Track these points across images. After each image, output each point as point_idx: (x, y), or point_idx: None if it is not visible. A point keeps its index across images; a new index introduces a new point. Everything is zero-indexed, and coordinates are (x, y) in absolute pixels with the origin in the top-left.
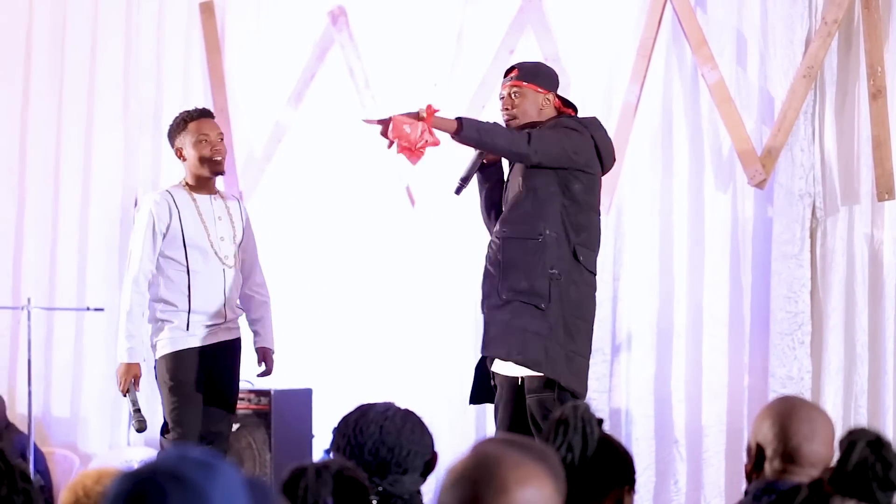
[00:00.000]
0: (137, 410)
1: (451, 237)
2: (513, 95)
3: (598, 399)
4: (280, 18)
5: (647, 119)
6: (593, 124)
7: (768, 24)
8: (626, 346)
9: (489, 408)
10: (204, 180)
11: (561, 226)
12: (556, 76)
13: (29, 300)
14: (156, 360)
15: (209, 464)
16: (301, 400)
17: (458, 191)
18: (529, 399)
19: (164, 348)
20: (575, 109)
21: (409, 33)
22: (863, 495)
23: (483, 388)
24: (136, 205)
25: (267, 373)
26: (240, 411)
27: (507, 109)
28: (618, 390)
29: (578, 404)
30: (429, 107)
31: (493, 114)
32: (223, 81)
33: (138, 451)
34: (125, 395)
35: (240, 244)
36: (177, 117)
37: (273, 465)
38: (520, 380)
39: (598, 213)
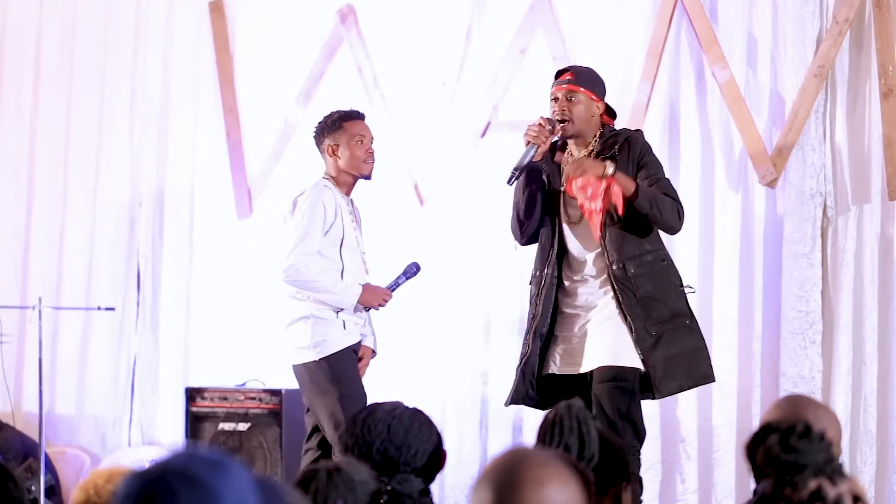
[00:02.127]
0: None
1: (460, 236)
2: (569, 98)
3: None
4: (289, 17)
5: (657, 118)
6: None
7: (779, 23)
8: None
9: (492, 408)
10: (349, 182)
11: (660, 241)
12: (603, 83)
13: (40, 300)
14: (306, 364)
15: (219, 463)
16: None
17: (510, 180)
18: (611, 386)
19: (321, 352)
20: (614, 117)
21: (417, 32)
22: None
23: (523, 390)
24: (293, 205)
25: (364, 373)
26: (251, 410)
27: (561, 112)
28: None
29: (572, 403)
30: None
31: (504, 114)
32: (232, 81)
33: (149, 451)
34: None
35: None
36: (331, 115)
37: (283, 464)
38: (589, 375)
39: None
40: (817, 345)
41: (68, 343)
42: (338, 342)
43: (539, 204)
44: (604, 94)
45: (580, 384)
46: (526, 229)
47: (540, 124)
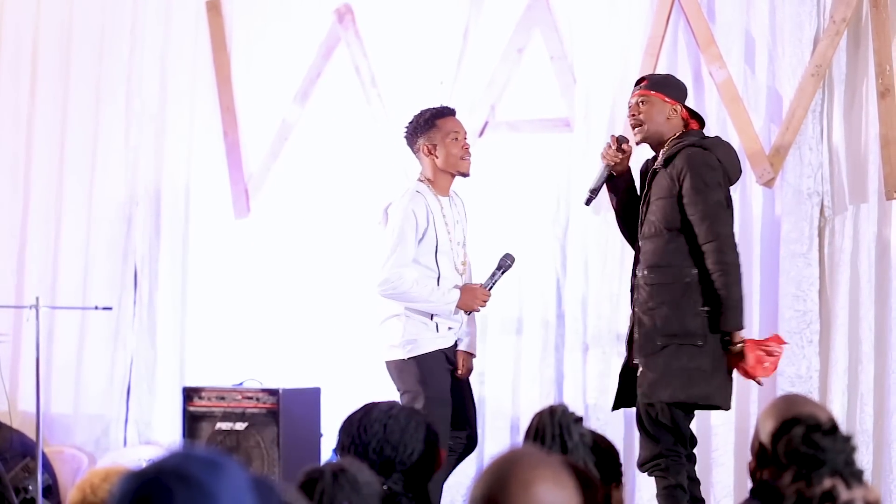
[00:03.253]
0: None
1: None
2: (640, 104)
3: (600, 397)
4: (286, 17)
5: None
6: (715, 144)
7: (776, 22)
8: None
9: (489, 407)
10: (446, 181)
11: (691, 259)
12: (685, 88)
13: (38, 299)
14: (396, 361)
15: (216, 462)
16: (309, 399)
17: (587, 202)
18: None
19: (411, 351)
20: (701, 121)
21: (415, 31)
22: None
23: (625, 393)
24: (385, 215)
25: (464, 374)
26: (248, 410)
27: (633, 116)
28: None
29: (556, 408)
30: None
31: (501, 114)
32: (230, 80)
33: (146, 450)
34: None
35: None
36: (422, 114)
37: (281, 463)
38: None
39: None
40: (815, 344)
41: (64, 342)
42: (428, 344)
43: (630, 213)
44: (681, 97)
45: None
46: (627, 235)
47: (608, 143)
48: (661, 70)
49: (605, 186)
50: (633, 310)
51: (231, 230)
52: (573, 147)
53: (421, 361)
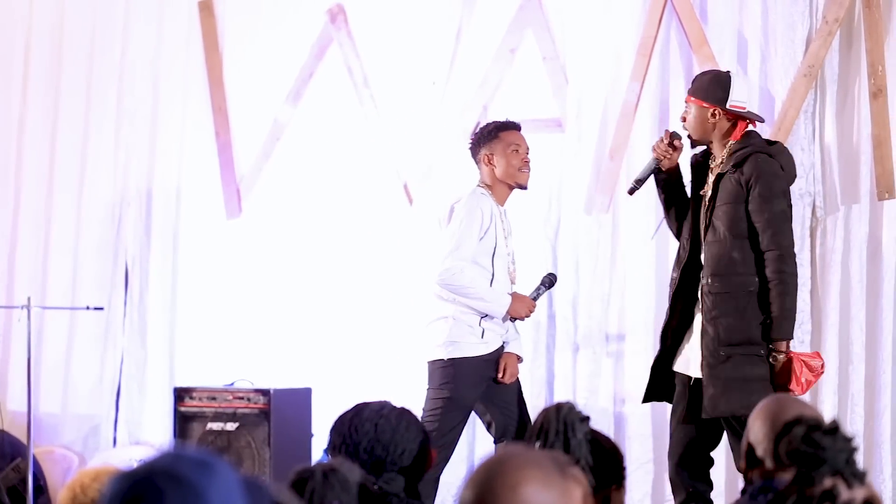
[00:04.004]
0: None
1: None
2: (686, 109)
3: (590, 397)
4: (279, 17)
5: (647, 118)
6: (779, 152)
7: (769, 23)
8: (620, 345)
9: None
10: (504, 192)
11: (756, 268)
12: (726, 86)
13: (29, 299)
14: (441, 360)
15: (206, 463)
16: (300, 399)
17: (631, 191)
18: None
19: (452, 352)
20: (757, 120)
21: (407, 32)
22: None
23: (657, 387)
24: (450, 211)
25: (507, 379)
26: (239, 410)
27: (682, 121)
28: (612, 388)
29: (562, 405)
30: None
31: (494, 114)
32: (222, 80)
33: (136, 451)
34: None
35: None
36: (487, 126)
37: (272, 464)
38: (692, 379)
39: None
40: (806, 344)
41: (53, 342)
42: (470, 349)
43: (675, 210)
44: (719, 98)
45: (687, 384)
46: (675, 230)
47: (661, 138)
48: (654, 70)
49: (653, 179)
50: (673, 307)
51: (222, 231)
52: (565, 147)
53: (458, 364)
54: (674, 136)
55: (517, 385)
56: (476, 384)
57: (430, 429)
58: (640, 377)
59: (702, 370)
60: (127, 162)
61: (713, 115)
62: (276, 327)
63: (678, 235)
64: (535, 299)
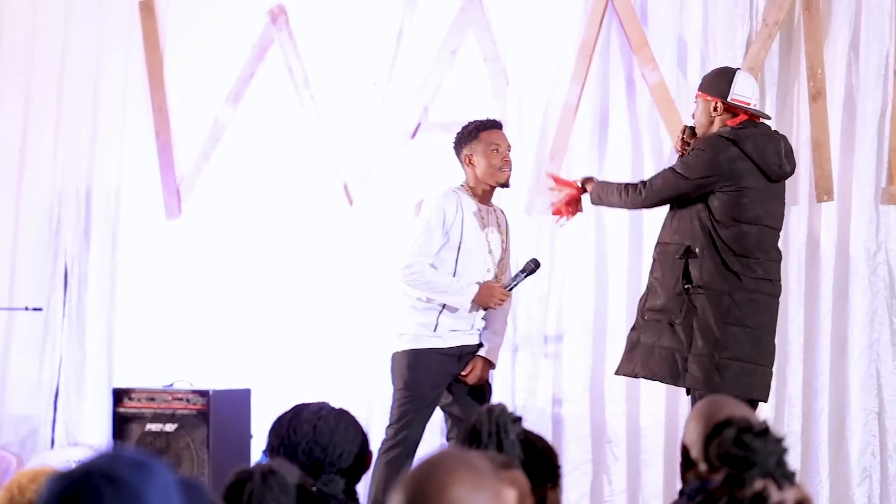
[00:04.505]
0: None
1: (389, 236)
2: (696, 105)
3: (528, 399)
4: (219, 17)
5: (587, 119)
6: (747, 136)
7: (709, 25)
8: (559, 346)
9: None
10: (487, 191)
11: (706, 240)
12: (729, 80)
13: None
14: (395, 353)
15: (144, 464)
16: (239, 400)
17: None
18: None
19: (409, 344)
20: (762, 117)
21: (348, 33)
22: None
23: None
24: (417, 208)
25: (470, 380)
26: (178, 411)
27: (693, 117)
28: (550, 390)
29: (493, 407)
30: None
31: (434, 115)
32: (162, 80)
33: (74, 452)
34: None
35: (502, 259)
36: (468, 126)
37: (211, 465)
38: None
39: (758, 224)
40: None
41: None
42: (422, 341)
43: None
44: (721, 91)
45: None
46: None
47: (678, 135)
48: (594, 71)
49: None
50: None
51: (162, 231)
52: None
53: (411, 355)
54: (688, 132)
55: (484, 390)
56: (431, 377)
57: (390, 421)
58: (579, 378)
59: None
60: (66, 162)
61: (715, 108)
62: (216, 328)
63: None
64: (511, 288)
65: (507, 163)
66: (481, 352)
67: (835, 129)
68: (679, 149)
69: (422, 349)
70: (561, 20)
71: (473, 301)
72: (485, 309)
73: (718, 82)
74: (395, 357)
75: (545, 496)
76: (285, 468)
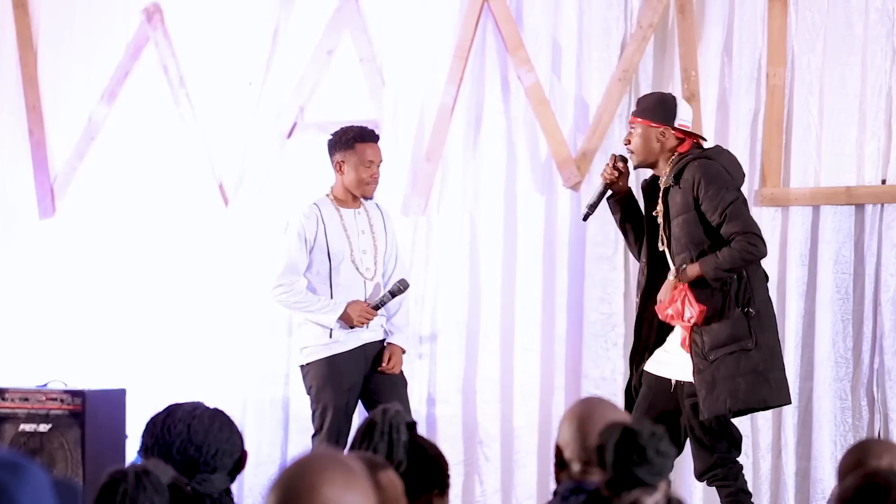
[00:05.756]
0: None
1: (264, 236)
2: (631, 131)
3: None
4: (94, 15)
5: (463, 121)
6: (718, 153)
7: (584, 27)
8: (433, 346)
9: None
10: (352, 197)
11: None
12: (673, 107)
13: None
14: (301, 366)
15: (17, 465)
16: (114, 400)
17: (585, 217)
18: (689, 401)
19: (310, 356)
20: (700, 138)
21: (224, 32)
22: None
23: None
24: (286, 224)
25: (389, 370)
26: (52, 411)
27: (626, 144)
28: (425, 390)
29: (388, 408)
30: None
31: (310, 115)
32: (36, 78)
33: None
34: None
35: (383, 254)
36: (345, 132)
37: (85, 465)
38: (673, 382)
39: None
40: (619, 347)
41: None
42: (320, 351)
43: (632, 232)
44: (669, 117)
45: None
46: (635, 253)
47: (608, 163)
48: (470, 73)
49: (606, 202)
50: (638, 332)
51: (36, 230)
52: (382, 149)
53: (314, 367)
54: (618, 159)
55: (399, 380)
56: (337, 384)
57: (314, 430)
58: (453, 378)
59: (693, 377)
60: None
61: (662, 134)
62: (91, 328)
63: (639, 257)
64: (377, 306)
65: (375, 179)
66: (393, 339)
67: (708, 132)
68: (608, 177)
69: (321, 359)
70: (437, 21)
71: (340, 318)
72: (350, 327)
73: (662, 109)
74: (301, 370)
75: (431, 501)
76: (160, 468)
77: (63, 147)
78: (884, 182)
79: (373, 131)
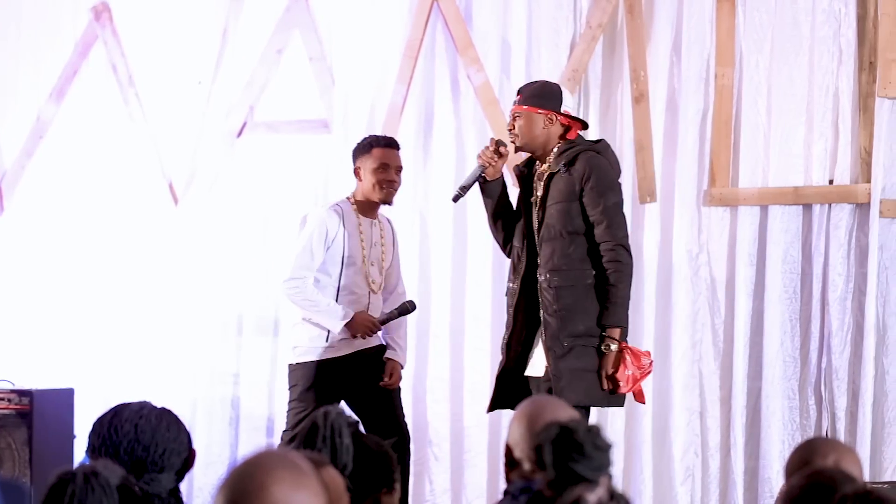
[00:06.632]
0: None
1: (214, 235)
2: (515, 118)
3: None
4: (42, 13)
5: (412, 120)
6: (605, 148)
7: (533, 27)
8: None
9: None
10: (371, 204)
11: (591, 261)
12: (559, 94)
13: None
14: (290, 364)
15: None
16: (62, 400)
17: (455, 199)
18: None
19: (302, 356)
20: (583, 124)
21: (173, 31)
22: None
23: (502, 395)
24: (303, 221)
25: (390, 385)
26: None
27: (509, 131)
28: None
29: (329, 410)
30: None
31: (260, 114)
32: None
33: None
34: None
35: (388, 268)
36: (365, 139)
37: (33, 465)
38: (542, 378)
39: None
40: None
41: None
42: (313, 353)
43: (502, 218)
44: (556, 104)
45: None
46: (500, 240)
47: (487, 145)
48: (420, 72)
49: (478, 188)
50: (515, 316)
51: None
52: (331, 148)
53: (303, 368)
54: (499, 144)
55: (394, 394)
56: (324, 388)
57: (286, 426)
58: (403, 378)
59: (548, 361)
60: None
61: (549, 120)
62: (38, 327)
63: (503, 246)
64: (383, 322)
65: (392, 183)
66: (391, 355)
67: (657, 132)
68: (487, 161)
69: (312, 362)
70: (387, 20)
71: (346, 326)
72: (353, 337)
73: (549, 96)
74: (289, 368)
75: (379, 500)
76: (108, 468)
77: (11, 145)
78: (831, 182)
79: (392, 138)
